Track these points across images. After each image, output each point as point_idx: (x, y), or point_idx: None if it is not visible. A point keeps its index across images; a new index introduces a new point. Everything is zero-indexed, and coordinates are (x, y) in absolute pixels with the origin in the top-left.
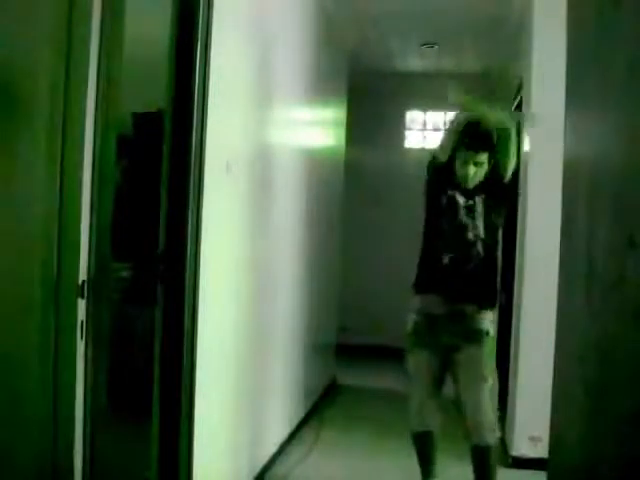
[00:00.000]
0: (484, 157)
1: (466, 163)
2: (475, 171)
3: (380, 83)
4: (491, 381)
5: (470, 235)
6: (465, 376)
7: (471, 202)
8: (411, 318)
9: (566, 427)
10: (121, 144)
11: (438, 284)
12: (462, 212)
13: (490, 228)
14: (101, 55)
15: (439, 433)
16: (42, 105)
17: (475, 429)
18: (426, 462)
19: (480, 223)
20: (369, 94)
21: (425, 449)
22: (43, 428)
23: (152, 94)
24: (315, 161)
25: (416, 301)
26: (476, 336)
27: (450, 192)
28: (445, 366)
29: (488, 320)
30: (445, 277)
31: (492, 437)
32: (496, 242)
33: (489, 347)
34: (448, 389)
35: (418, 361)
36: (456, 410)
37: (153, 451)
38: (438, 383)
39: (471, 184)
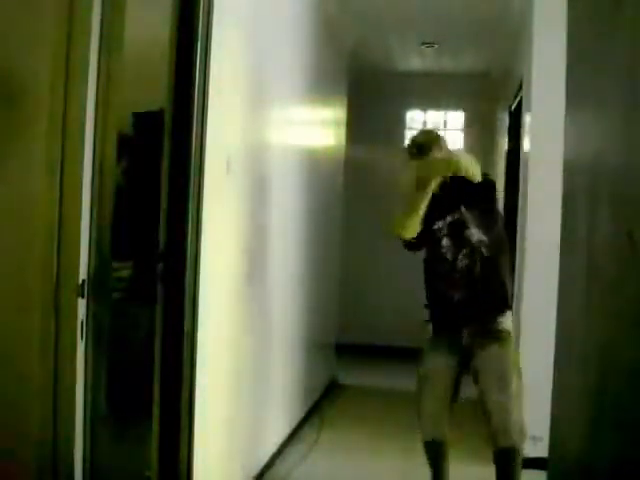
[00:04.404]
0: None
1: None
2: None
3: (380, 83)
4: (517, 381)
5: (460, 256)
6: (489, 377)
7: (457, 215)
8: (431, 322)
9: (566, 427)
10: (121, 144)
11: (441, 317)
12: (446, 233)
13: (489, 235)
14: (101, 55)
15: (450, 442)
16: (42, 105)
17: (502, 431)
18: (437, 473)
19: (473, 232)
20: (369, 94)
21: (437, 460)
22: (43, 428)
23: (152, 94)
24: (315, 161)
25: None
26: (497, 335)
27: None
28: (463, 370)
29: (509, 320)
30: (446, 309)
31: (520, 439)
32: (499, 250)
33: (512, 346)
34: (467, 388)
35: (434, 367)
36: (481, 412)
37: (153, 451)
38: (454, 391)
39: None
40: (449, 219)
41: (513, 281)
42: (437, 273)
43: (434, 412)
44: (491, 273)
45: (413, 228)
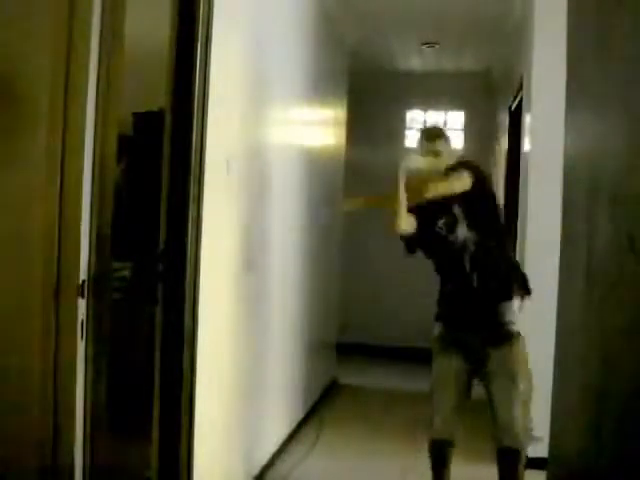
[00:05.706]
0: (440, 145)
1: (426, 154)
2: (434, 162)
3: (380, 83)
4: (526, 382)
5: (462, 253)
6: (498, 378)
7: (450, 218)
8: (437, 323)
9: (566, 427)
10: (121, 144)
11: (447, 315)
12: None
13: (481, 229)
14: (101, 55)
15: (457, 446)
16: (42, 105)
17: (507, 431)
18: (439, 473)
19: (463, 231)
20: (369, 94)
21: (440, 459)
22: (43, 428)
23: (152, 94)
24: (315, 161)
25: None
26: (505, 338)
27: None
28: (474, 371)
29: (514, 316)
30: (451, 307)
31: (525, 441)
32: (497, 240)
33: (521, 347)
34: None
35: (445, 368)
36: (489, 411)
37: (153, 451)
38: (466, 392)
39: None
40: (444, 220)
41: (517, 267)
42: (444, 273)
43: (447, 413)
44: (483, 269)
45: (404, 221)
